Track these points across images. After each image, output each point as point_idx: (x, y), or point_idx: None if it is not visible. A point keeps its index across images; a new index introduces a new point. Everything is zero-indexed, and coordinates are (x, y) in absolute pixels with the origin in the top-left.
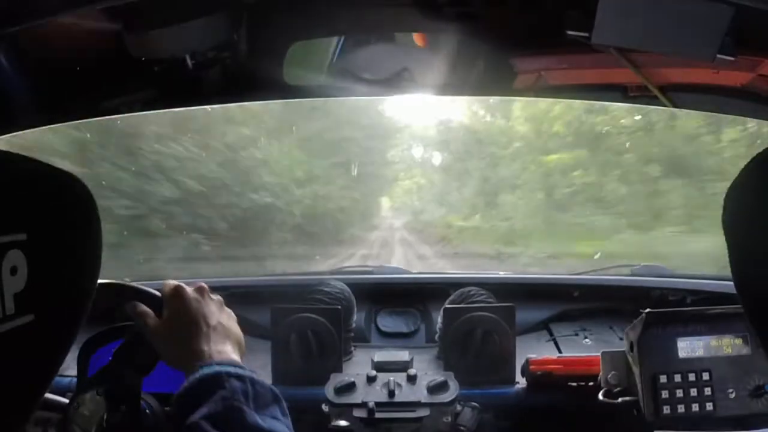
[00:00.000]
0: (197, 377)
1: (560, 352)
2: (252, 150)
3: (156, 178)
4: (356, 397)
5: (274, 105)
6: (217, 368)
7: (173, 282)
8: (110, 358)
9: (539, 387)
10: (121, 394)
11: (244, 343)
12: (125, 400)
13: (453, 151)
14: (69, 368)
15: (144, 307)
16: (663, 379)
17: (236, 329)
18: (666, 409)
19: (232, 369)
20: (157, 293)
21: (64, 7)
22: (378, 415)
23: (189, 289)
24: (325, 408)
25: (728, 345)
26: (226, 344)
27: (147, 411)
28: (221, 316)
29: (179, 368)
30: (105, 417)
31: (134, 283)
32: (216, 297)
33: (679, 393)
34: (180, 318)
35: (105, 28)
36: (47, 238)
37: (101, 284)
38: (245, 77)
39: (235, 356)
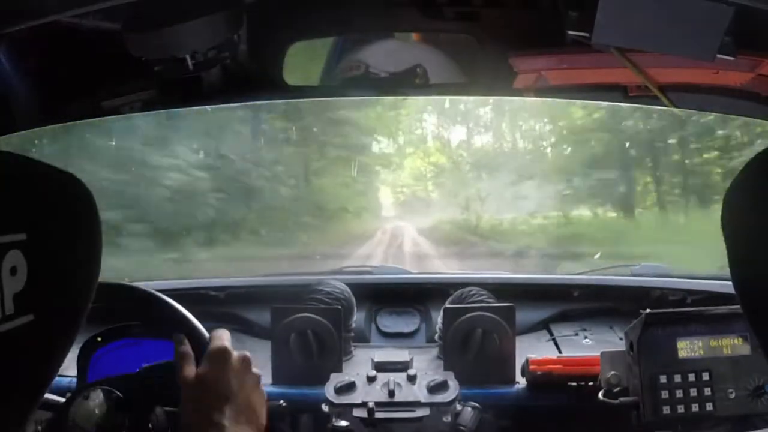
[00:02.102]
0: None
1: (560, 352)
2: None
3: None
4: (356, 397)
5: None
6: None
7: (223, 336)
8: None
9: (539, 387)
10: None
11: (264, 428)
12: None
13: None
14: (69, 368)
15: (188, 351)
16: (663, 379)
17: (262, 412)
18: (666, 409)
19: None
20: (206, 335)
21: (64, 7)
22: (378, 415)
23: (235, 356)
24: (325, 408)
25: (728, 345)
26: (247, 428)
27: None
28: (253, 395)
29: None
30: (104, 417)
31: (135, 284)
32: (255, 372)
33: (679, 393)
34: (214, 382)
35: (105, 28)
36: (47, 238)
37: (101, 284)
38: (245, 77)
39: None
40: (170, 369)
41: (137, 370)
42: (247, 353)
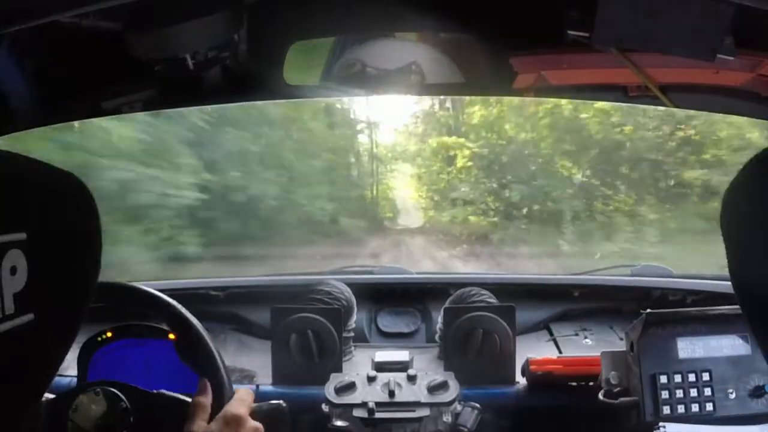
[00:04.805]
0: None
1: (560, 352)
2: None
3: None
4: (356, 397)
5: None
6: None
7: (246, 399)
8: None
9: (539, 387)
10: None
11: None
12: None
13: None
14: (69, 368)
15: (206, 403)
16: (663, 379)
17: None
18: (666, 410)
19: None
20: (230, 391)
21: (64, 7)
22: (378, 415)
23: (249, 427)
24: (325, 408)
25: (728, 345)
26: None
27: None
28: None
29: None
30: (104, 417)
31: (136, 284)
32: None
33: (679, 393)
34: None
35: (105, 28)
36: (47, 237)
37: (102, 284)
38: (245, 77)
39: None
40: (183, 408)
41: (155, 390)
42: (260, 426)
